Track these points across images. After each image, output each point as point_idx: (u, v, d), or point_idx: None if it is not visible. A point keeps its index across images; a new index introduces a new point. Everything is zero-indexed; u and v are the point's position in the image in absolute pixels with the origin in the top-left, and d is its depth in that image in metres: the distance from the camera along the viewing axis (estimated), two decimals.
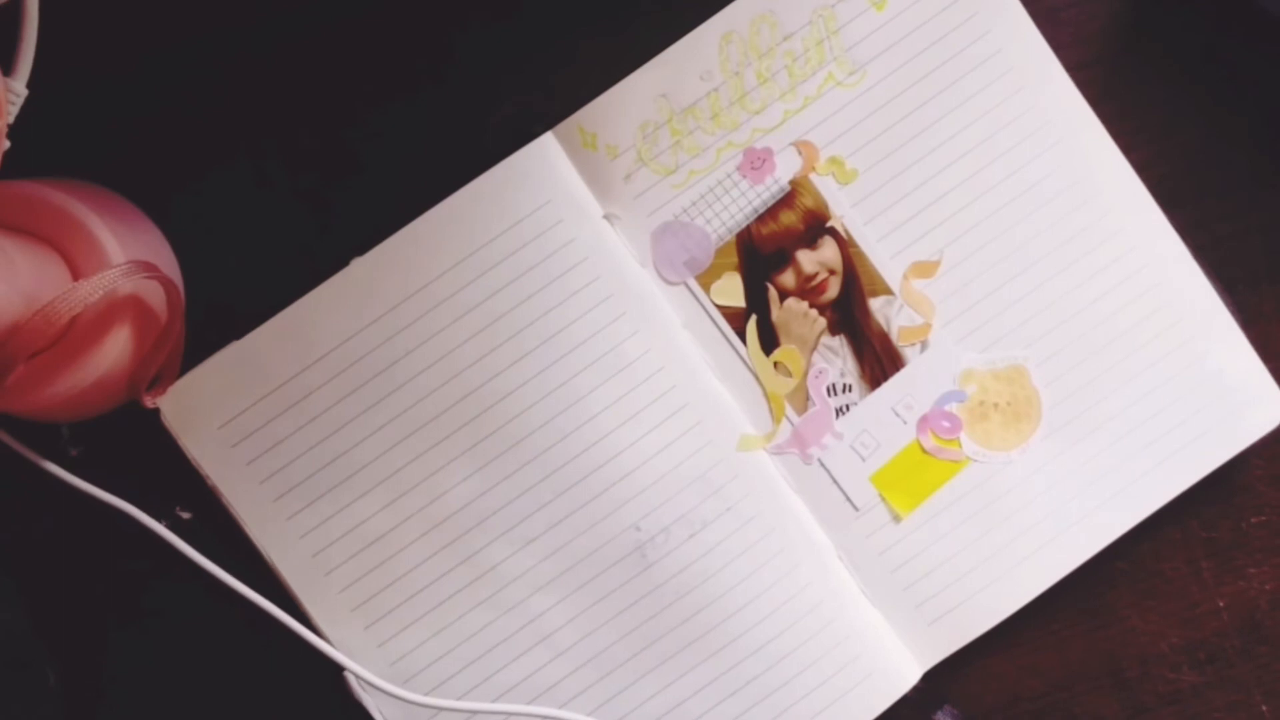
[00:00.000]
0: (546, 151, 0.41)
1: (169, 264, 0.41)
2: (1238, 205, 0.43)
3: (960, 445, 0.42)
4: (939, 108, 0.42)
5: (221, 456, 0.40)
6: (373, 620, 0.41)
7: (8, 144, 0.31)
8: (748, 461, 0.42)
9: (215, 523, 0.41)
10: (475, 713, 0.41)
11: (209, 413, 0.40)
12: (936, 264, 0.42)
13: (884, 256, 0.42)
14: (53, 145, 0.40)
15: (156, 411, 0.40)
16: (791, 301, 0.42)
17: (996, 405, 0.42)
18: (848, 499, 0.42)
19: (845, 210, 0.42)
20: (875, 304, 0.42)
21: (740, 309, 0.42)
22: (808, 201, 0.42)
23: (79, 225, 0.37)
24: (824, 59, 0.42)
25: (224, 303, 0.41)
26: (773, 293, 0.42)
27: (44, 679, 0.41)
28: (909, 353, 0.42)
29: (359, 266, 0.41)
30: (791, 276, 0.42)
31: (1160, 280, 0.42)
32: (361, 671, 0.40)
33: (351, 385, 0.41)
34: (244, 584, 0.40)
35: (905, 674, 0.42)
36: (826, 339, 0.42)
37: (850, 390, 0.42)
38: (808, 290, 0.42)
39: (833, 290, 0.42)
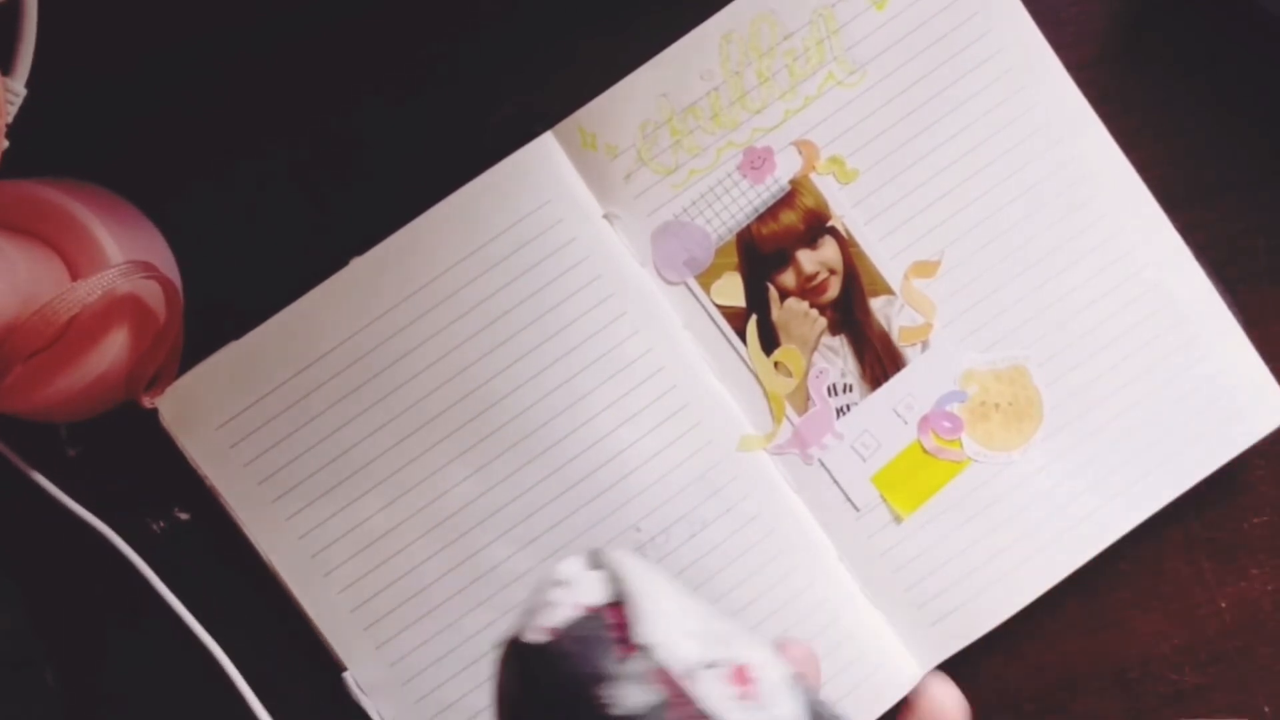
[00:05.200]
0: (546, 151, 0.41)
1: (167, 264, 0.41)
2: (1238, 205, 0.43)
3: (961, 445, 0.42)
4: (939, 107, 0.41)
5: (220, 456, 0.40)
6: (372, 621, 0.41)
7: (7, 144, 0.31)
8: (748, 462, 0.42)
9: (214, 523, 0.41)
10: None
11: (207, 413, 0.40)
12: (937, 264, 0.42)
13: (885, 256, 0.42)
14: (52, 145, 0.40)
15: (155, 411, 0.40)
16: (792, 301, 0.42)
17: (998, 405, 0.42)
18: (848, 499, 0.42)
19: (846, 210, 0.42)
20: (876, 304, 0.42)
21: (740, 309, 0.42)
22: (808, 201, 0.42)
23: (78, 225, 0.37)
24: (824, 58, 0.41)
25: (223, 303, 0.41)
26: (773, 292, 0.42)
27: (43, 679, 0.41)
28: (910, 353, 0.42)
29: (359, 266, 0.41)
30: (792, 276, 0.42)
31: (1161, 280, 0.42)
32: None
33: (351, 385, 0.40)
34: (205, 629, 0.41)
35: (906, 675, 0.42)
36: (827, 339, 0.42)
37: (851, 390, 0.42)
38: (808, 290, 0.42)
39: (833, 290, 0.42)
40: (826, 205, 0.42)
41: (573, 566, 0.27)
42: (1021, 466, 0.42)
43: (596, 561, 0.27)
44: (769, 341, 0.42)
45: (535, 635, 0.25)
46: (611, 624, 0.26)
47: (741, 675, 0.26)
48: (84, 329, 0.37)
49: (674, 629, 0.26)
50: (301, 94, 0.42)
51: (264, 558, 0.41)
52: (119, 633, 0.42)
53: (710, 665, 0.26)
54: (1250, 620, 0.43)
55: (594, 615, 0.26)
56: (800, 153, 0.42)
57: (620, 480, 0.41)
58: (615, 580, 0.27)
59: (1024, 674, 0.43)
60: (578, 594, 0.26)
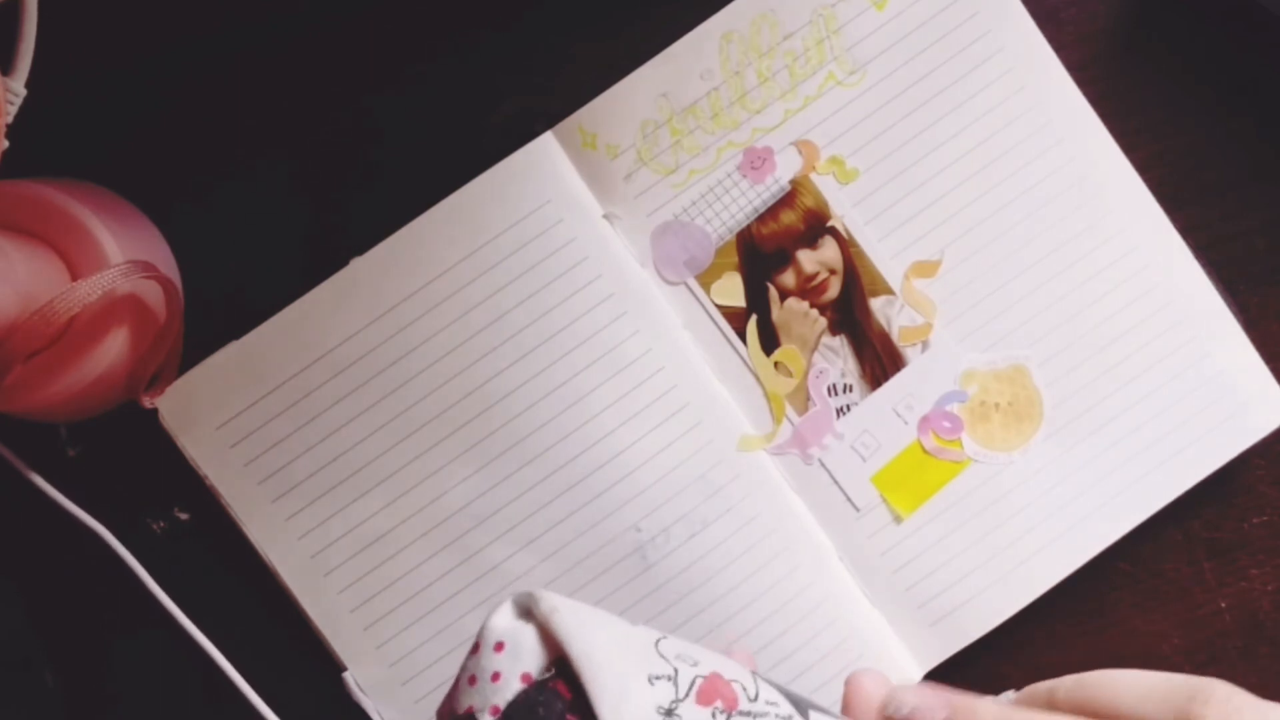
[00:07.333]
0: (547, 151, 0.41)
1: (167, 264, 0.41)
2: (1239, 205, 0.43)
3: (961, 446, 0.42)
4: (940, 107, 0.41)
5: (220, 456, 0.40)
6: (372, 621, 0.41)
7: (7, 144, 0.31)
8: (748, 462, 0.42)
9: (214, 523, 0.41)
10: None
11: (207, 413, 0.40)
12: (937, 264, 0.42)
13: (885, 256, 0.42)
14: (53, 145, 0.40)
15: (155, 411, 0.40)
16: (792, 301, 0.42)
17: (998, 405, 0.42)
18: (849, 500, 0.42)
19: (846, 210, 0.42)
20: (876, 304, 0.42)
21: (741, 309, 0.42)
22: (808, 201, 0.42)
23: (78, 225, 0.37)
24: (824, 58, 0.41)
25: (223, 302, 0.41)
26: (773, 292, 0.42)
27: (43, 679, 0.41)
28: (910, 353, 0.42)
29: (359, 266, 0.41)
30: (792, 276, 0.42)
31: (1162, 280, 0.42)
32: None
33: (351, 385, 0.40)
34: (205, 630, 0.41)
35: (906, 675, 0.42)
36: (827, 339, 0.42)
37: (851, 390, 0.42)
38: (808, 290, 0.42)
39: (833, 290, 0.42)
40: (826, 205, 0.42)
41: (505, 619, 0.26)
42: (1021, 466, 0.42)
43: (525, 609, 0.26)
44: (769, 341, 0.42)
45: (488, 717, 0.24)
46: (567, 701, 0.24)
47: (714, 688, 0.25)
48: (84, 329, 0.37)
49: (629, 685, 0.24)
50: (302, 94, 0.42)
51: (264, 558, 0.41)
52: (119, 633, 0.42)
53: (676, 701, 0.24)
54: (1250, 621, 0.43)
55: (544, 690, 0.24)
56: (800, 153, 0.42)
57: (620, 480, 0.41)
58: (549, 633, 0.25)
59: (1024, 674, 0.43)
60: (519, 661, 0.25)
